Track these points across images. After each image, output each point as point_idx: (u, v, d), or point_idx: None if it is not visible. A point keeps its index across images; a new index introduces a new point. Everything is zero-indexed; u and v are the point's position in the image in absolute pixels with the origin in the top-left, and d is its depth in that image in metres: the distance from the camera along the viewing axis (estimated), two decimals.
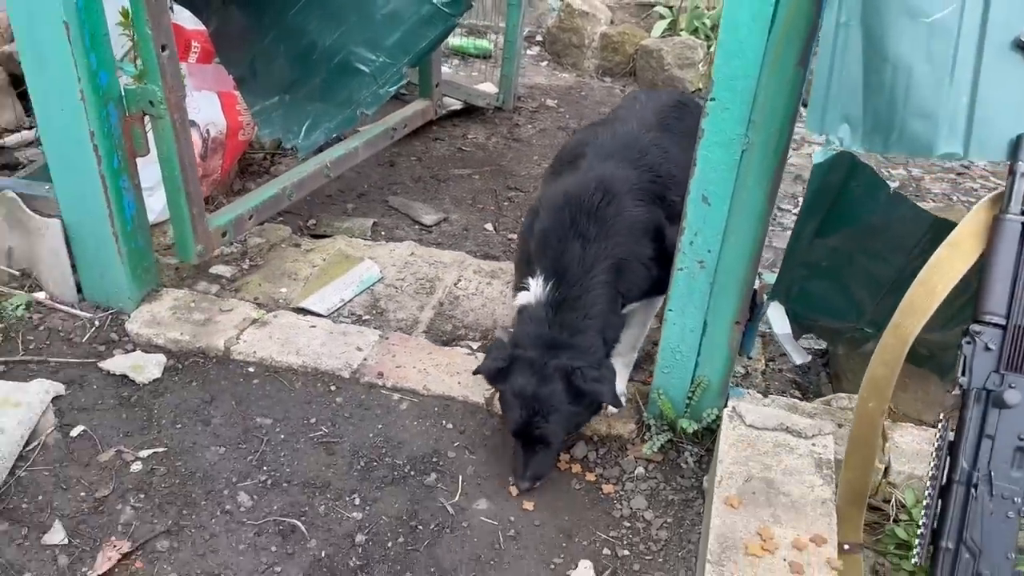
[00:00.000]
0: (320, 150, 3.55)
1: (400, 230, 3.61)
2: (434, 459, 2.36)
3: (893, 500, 2.07)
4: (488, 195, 3.97)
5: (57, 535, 2.07)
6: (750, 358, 2.75)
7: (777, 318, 2.18)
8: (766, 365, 2.78)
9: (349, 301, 2.99)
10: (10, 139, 3.88)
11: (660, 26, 5.87)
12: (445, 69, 5.43)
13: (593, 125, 2.79)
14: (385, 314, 2.96)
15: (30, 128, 4.06)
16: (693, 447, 2.38)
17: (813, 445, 2.03)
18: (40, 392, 2.39)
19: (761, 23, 1.80)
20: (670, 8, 6.04)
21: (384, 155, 4.19)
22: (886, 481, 2.12)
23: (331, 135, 3.45)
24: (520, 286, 2.33)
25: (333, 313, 2.91)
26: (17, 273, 2.81)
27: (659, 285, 2.36)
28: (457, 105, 4.74)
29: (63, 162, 2.54)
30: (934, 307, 1.55)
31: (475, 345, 2.81)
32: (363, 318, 2.93)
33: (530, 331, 2.23)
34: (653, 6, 6.26)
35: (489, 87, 5.03)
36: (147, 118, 2.59)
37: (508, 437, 2.27)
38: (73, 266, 2.72)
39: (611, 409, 2.47)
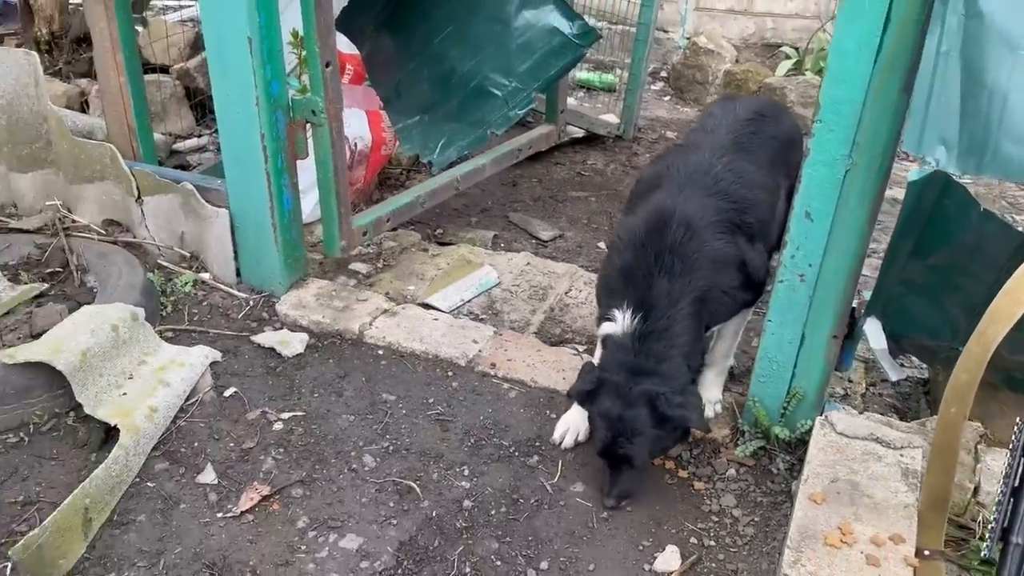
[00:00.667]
0: (451, 166, 3.87)
1: (518, 243, 3.87)
2: (537, 443, 2.56)
3: (980, 518, 2.12)
4: (603, 216, 4.18)
5: (208, 476, 2.40)
6: (850, 381, 2.83)
7: (874, 333, 2.27)
8: (867, 388, 2.85)
9: (468, 301, 3.25)
10: (184, 144, 4.40)
11: (785, 66, 5.97)
12: (571, 100, 5.71)
13: (667, 154, 2.80)
14: (500, 315, 3.20)
15: (200, 136, 4.59)
16: (785, 455, 2.48)
17: (901, 455, 2.11)
18: (201, 356, 2.75)
19: (867, 51, 1.95)
20: (796, 49, 6.13)
21: (508, 175, 4.48)
22: (975, 500, 2.17)
23: (463, 152, 3.76)
24: (605, 317, 2.42)
25: (454, 310, 3.18)
26: (187, 255, 3.22)
27: (747, 304, 2.48)
28: (579, 133, 5.00)
29: (235, 159, 2.93)
30: (1018, 315, 1.63)
31: (581, 348, 3.01)
32: (480, 316, 3.18)
33: (617, 358, 2.33)
34: (779, 46, 6.37)
35: (611, 118, 5.27)
36: (308, 126, 2.96)
37: (596, 458, 2.40)
38: (235, 252, 3.10)
39: (707, 413, 2.61)
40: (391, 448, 2.52)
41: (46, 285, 2.85)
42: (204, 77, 4.66)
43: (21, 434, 2.45)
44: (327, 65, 2.83)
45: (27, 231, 3.16)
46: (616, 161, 4.87)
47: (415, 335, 2.94)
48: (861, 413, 2.48)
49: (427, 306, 3.17)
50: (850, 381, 2.81)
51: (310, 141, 2.99)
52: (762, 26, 6.72)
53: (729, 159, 2.58)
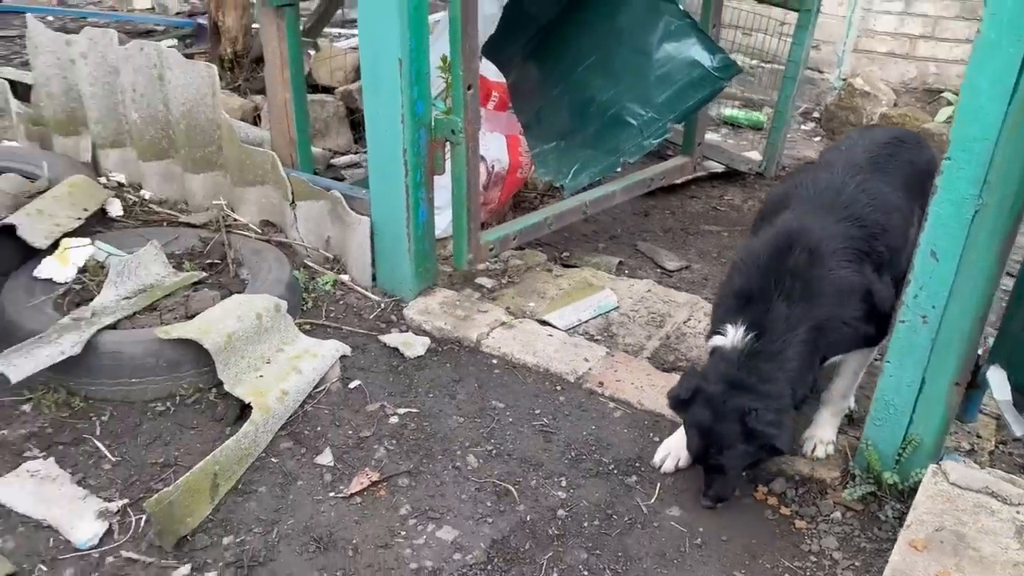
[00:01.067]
0: (582, 191, 3.96)
1: (643, 271, 3.90)
2: (637, 464, 2.58)
3: None
4: (734, 252, 4.14)
5: (326, 458, 2.58)
6: (978, 437, 2.67)
7: (997, 382, 2.15)
8: (996, 446, 2.68)
9: (585, 322, 3.32)
10: (341, 160, 4.75)
11: (945, 112, 5.69)
12: (715, 136, 5.70)
13: (798, 172, 2.69)
14: (615, 337, 3.24)
15: (356, 153, 4.93)
16: (896, 503, 2.38)
17: (1017, 512, 1.98)
18: (332, 349, 2.97)
19: (1001, 89, 1.88)
20: (958, 95, 5.83)
21: (640, 204, 4.53)
22: None
23: (594, 178, 3.85)
24: (716, 331, 2.41)
25: (569, 329, 3.26)
26: (331, 257, 3.48)
27: (870, 339, 2.40)
28: (718, 168, 4.98)
29: (379, 171, 3.16)
30: None
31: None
32: (595, 337, 3.24)
33: (720, 369, 2.32)
34: (941, 92, 6.08)
35: (754, 155, 5.21)
36: (447, 144, 3.14)
37: (696, 485, 2.42)
38: (372, 258, 3.32)
39: (818, 452, 2.54)
40: (494, 452, 2.61)
41: (205, 274, 3.16)
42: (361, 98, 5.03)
43: (168, 403, 2.73)
44: (468, 88, 3.00)
45: (194, 225, 3.52)
46: (754, 198, 4.81)
47: (529, 348, 3.04)
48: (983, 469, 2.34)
49: (544, 323, 3.26)
50: (978, 436, 2.65)
51: (448, 159, 3.17)
52: (924, 71, 6.44)
53: (863, 178, 2.51)
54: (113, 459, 2.51)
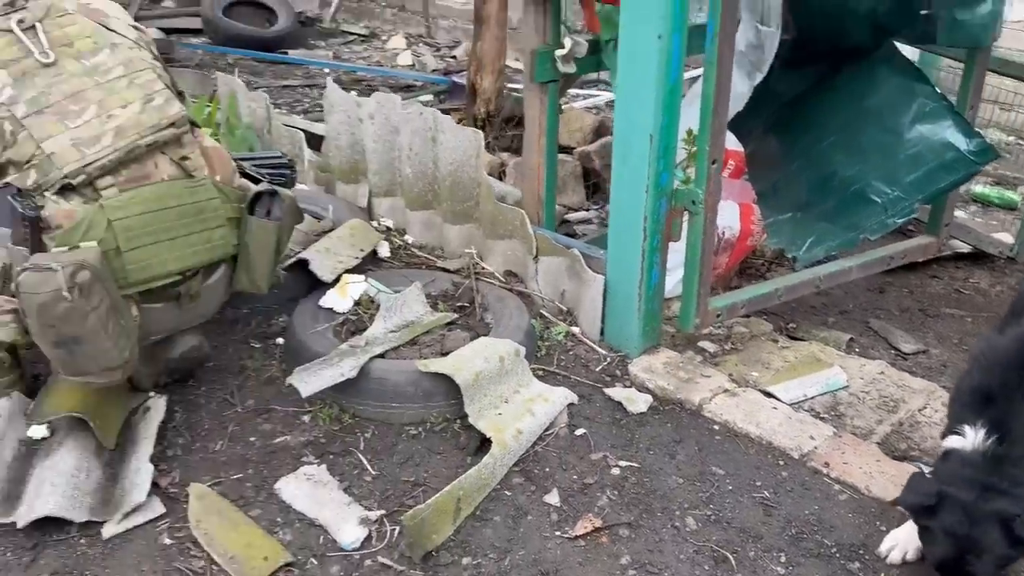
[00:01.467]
0: (815, 264, 3.95)
1: (874, 351, 3.80)
2: (860, 551, 2.56)
3: None
4: (975, 343, 3.93)
5: (554, 498, 2.79)
6: None
7: None
8: None
9: (811, 398, 3.31)
10: (574, 215, 5.05)
11: None
12: (962, 214, 5.41)
13: None
14: (842, 418, 3.21)
15: (588, 210, 5.22)
16: None
17: None
18: (562, 396, 3.20)
19: None
20: None
21: (875, 281, 4.41)
22: None
23: (830, 252, 3.84)
24: (953, 431, 2.35)
25: (794, 404, 3.27)
26: (564, 309, 3.74)
27: None
28: (964, 248, 4.72)
29: (618, 235, 3.37)
30: None
31: (926, 468, 2.91)
32: (820, 415, 3.22)
33: (963, 474, 2.26)
34: None
35: (1005, 237, 4.89)
36: (685, 213, 3.30)
37: (931, 569, 2.35)
38: (602, 314, 3.54)
39: None
40: (713, 517, 2.70)
41: (455, 315, 3.52)
42: (600, 160, 5.31)
43: (420, 428, 3.07)
44: (713, 162, 3.16)
45: (448, 271, 3.93)
46: (1003, 284, 4.52)
47: (752, 419, 3.09)
48: None
49: (768, 394, 3.30)
50: None
51: (684, 226, 3.33)
52: None
53: None
54: (373, 472, 2.88)
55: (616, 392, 3.29)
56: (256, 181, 3.10)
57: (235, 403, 3.19)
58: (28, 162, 2.57)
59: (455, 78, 8.23)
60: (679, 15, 2.95)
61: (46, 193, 2.58)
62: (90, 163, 2.58)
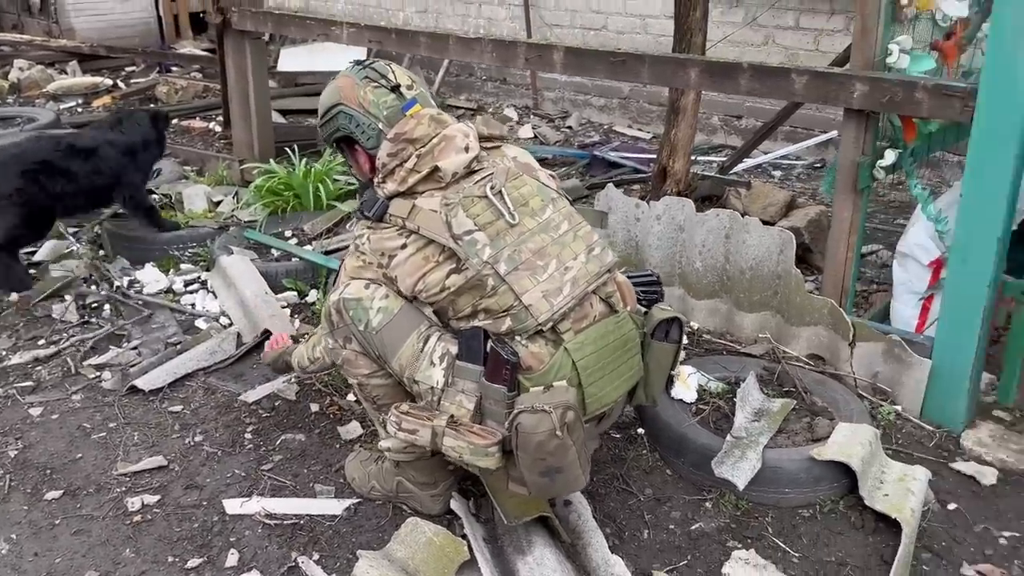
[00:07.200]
0: None
1: None
2: None
3: None
4: None
5: (969, 570, 3.14)
6: None
7: None
8: None
9: None
10: None
11: None
12: None
13: None
14: None
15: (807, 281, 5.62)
16: None
17: None
18: (924, 474, 3.54)
19: None
20: None
21: None
22: None
23: None
24: None
25: None
26: (879, 389, 4.12)
27: None
28: None
29: (952, 324, 3.74)
30: None
31: None
32: None
33: None
34: None
35: None
36: (1013, 303, 3.71)
37: None
38: (924, 394, 3.92)
39: None
40: None
41: (795, 401, 3.89)
42: (809, 235, 5.74)
43: (811, 511, 3.42)
44: None
45: (752, 355, 4.31)
46: None
47: None
48: None
49: None
50: None
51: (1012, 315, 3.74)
52: None
53: None
54: (795, 554, 3.23)
55: (964, 466, 3.66)
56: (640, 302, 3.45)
57: (634, 492, 3.55)
58: (505, 311, 2.91)
59: (596, 152, 8.67)
60: None
61: (517, 338, 2.92)
62: (556, 311, 2.91)
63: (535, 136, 9.93)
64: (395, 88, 3.17)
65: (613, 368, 3.05)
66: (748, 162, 8.02)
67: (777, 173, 8.13)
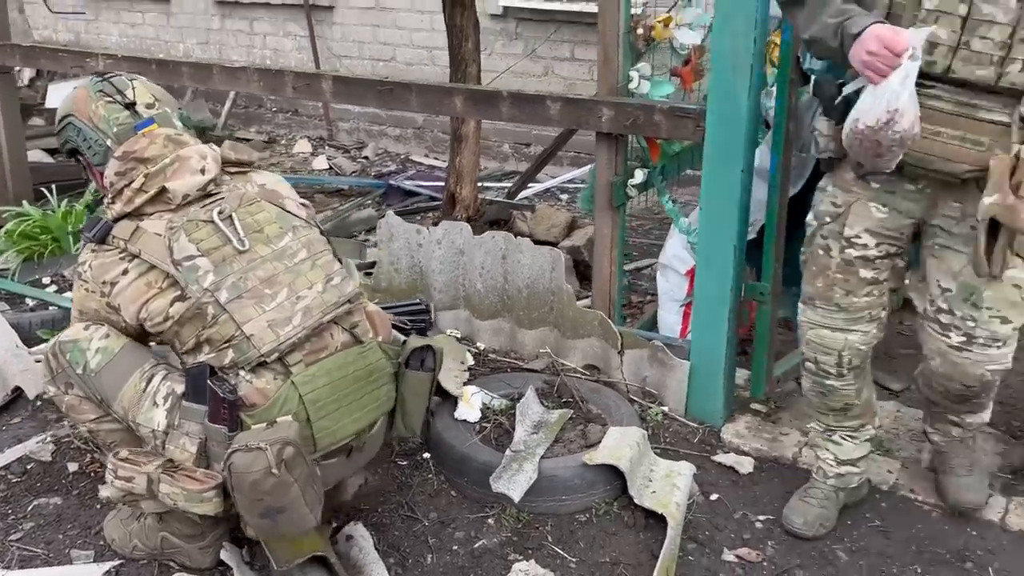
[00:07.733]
0: None
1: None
2: (967, 553, 3.36)
3: None
4: None
5: (729, 556, 3.38)
6: None
7: None
8: None
9: None
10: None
11: None
12: None
13: None
14: (890, 452, 4.05)
15: (586, 296, 5.88)
16: None
17: None
18: (688, 468, 3.78)
19: None
20: None
21: None
22: None
23: None
24: None
25: None
26: (646, 392, 4.36)
27: None
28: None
29: (703, 326, 4.06)
30: None
31: None
32: (880, 453, 4.05)
33: None
34: None
35: None
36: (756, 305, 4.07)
37: None
38: (687, 393, 4.20)
39: None
40: (854, 548, 3.40)
41: (572, 411, 4.04)
42: (588, 253, 6.02)
43: (587, 515, 3.55)
44: (776, 261, 3.95)
45: (534, 371, 4.45)
46: None
47: None
48: None
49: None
50: None
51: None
52: None
53: None
54: (572, 559, 3.34)
55: (724, 458, 3.95)
56: (402, 330, 3.46)
57: (419, 517, 3.53)
58: (227, 342, 2.78)
59: (392, 181, 8.67)
60: (751, 157, 3.76)
61: (240, 372, 2.79)
62: (283, 342, 2.80)
63: (331, 167, 9.81)
64: (130, 105, 3.01)
65: (353, 400, 2.95)
66: (537, 187, 8.33)
67: (564, 196, 8.50)
